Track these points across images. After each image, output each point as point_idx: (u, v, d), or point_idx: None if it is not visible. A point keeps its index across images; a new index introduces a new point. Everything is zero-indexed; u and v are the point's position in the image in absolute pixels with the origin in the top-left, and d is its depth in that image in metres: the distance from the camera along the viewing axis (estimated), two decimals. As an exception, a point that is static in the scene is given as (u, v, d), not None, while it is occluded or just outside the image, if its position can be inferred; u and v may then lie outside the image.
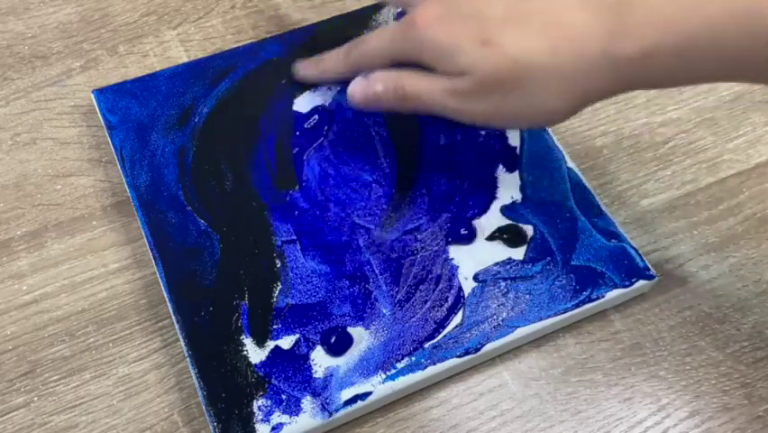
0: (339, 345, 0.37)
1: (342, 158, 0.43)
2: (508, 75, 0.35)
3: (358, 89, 0.41)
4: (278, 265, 0.39)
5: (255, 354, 0.37)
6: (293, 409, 0.35)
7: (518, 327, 0.37)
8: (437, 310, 0.38)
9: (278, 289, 0.38)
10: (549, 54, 0.34)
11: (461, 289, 0.38)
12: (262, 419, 0.35)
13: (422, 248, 0.40)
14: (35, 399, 0.37)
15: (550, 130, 0.44)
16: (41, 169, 0.44)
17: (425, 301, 0.38)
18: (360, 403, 0.35)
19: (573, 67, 0.34)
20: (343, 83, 0.42)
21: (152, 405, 0.37)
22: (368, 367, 0.36)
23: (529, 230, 0.40)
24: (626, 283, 0.39)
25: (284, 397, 0.35)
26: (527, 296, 0.38)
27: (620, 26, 0.33)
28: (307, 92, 0.45)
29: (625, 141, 0.46)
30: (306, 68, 0.45)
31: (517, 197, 0.42)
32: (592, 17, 0.33)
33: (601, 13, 0.33)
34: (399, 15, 0.49)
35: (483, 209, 0.41)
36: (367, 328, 0.37)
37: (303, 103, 0.45)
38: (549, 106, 0.35)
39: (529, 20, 0.35)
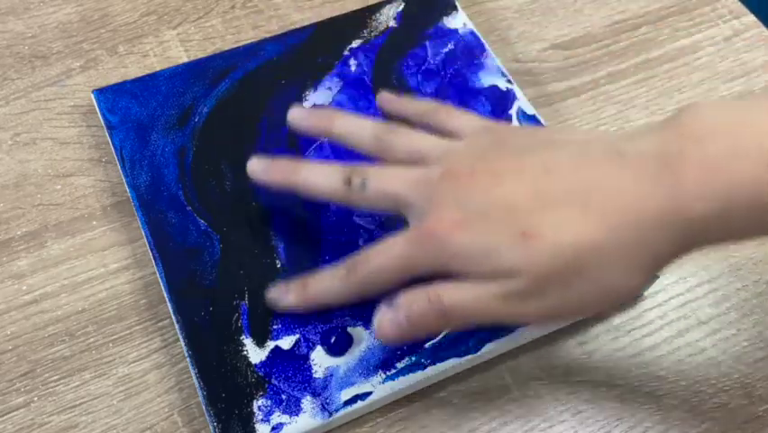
0: (339, 345, 0.37)
1: (343, 158, 0.43)
2: (564, 265, 0.30)
3: (387, 322, 0.33)
4: (278, 265, 0.39)
5: (255, 354, 0.37)
6: (293, 409, 0.35)
7: (518, 327, 0.37)
8: (437, 310, 0.38)
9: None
10: (602, 231, 0.29)
11: (461, 289, 0.38)
12: (262, 419, 0.35)
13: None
14: (35, 399, 0.37)
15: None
16: (41, 169, 0.44)
17: (425, 301, 0.38)
18: (360, 403, 0.35)
19: (635, 239, 0.29)
20: (345, 86, 0.42)
21: (152, 405, 0.37)
22: (368, 367, 0.36)
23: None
24: (626, 283, 0.39)
25: (284, 397, 0.35)
26: (527, 296, 0.38)
27: (678, 186, 0.28)
28: (308, 92, 0.45)
29: (625, 141, 0.46)
30: (287, 294, 0.37)
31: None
32: (638, 179, 0.29)
33: (647, 172, 0.29)
34: (399, 16, 0.49)
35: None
36: (367, 328, 0.37)
37: (303, 103, 0.45)
38: (618, 287, 0.31)
39: (564, 198, 0.30)
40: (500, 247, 0.30)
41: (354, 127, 0.38)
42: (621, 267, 0.30)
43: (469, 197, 0.32)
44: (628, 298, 0.32)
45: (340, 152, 0.43)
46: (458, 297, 0.32)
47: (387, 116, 0.40)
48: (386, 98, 0.41)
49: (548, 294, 0.30)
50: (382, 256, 0.34)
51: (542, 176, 0.31)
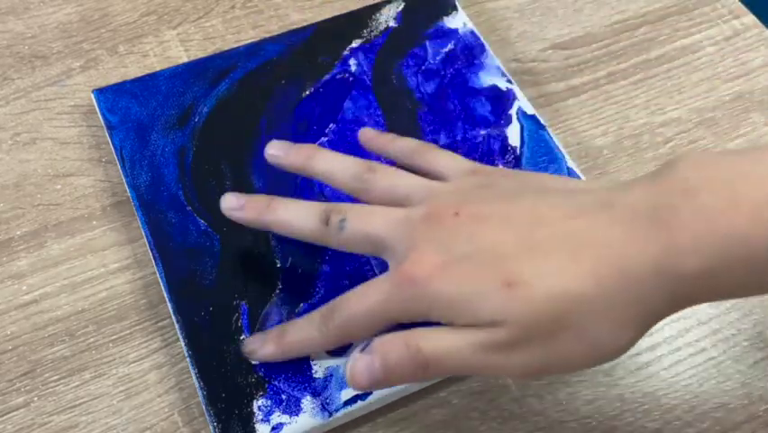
0: (339, 345, 0.37)
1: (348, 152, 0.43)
2: (549, 316, 0.28)
3: (360, 369, 0.31)
4: (278, 265, 0.39)
5: (255, 354, 0.37)
6: (293, 409, 0.35)
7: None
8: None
9: (279, 289, 0.38)
10: (591, 282, 0.28)
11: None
12: (262, 419, 0.35)
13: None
14: (35, 399, 0.37)
15: (550, 130, 0.44)
16: (41, 169, 0.44)
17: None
18: (360, 403, 0.35)
19: (623, 292, 0.28)
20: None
21: (152, 405, 0.37)
22: (368, 367, 0.36)
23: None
24: (626, 283, 0.39)
25: (284, 397, 0.35)
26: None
27: (670, 240, 0.27)
28: (308, 92, 0.45)
29: (625, 141, 0.46)
30: (264, 344, 0.36)
31: (517, 197, 0.41)
32: (628, 232, 0.28)
33: (638, 225, 0.28)
34: (399, 16, 0.49)
35: (483, 209, 0.41)
36: (367, 328, 0.37)
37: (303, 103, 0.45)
38: (606, 344, 0.29)
39: (551, 247, 0.29)
40: (483, 295, 0.29)
41: (334, 165, 0.36)
42: (609, 322, 0.28)
43: (451, 240, 0.30)
44: (616, 355, 0.29)
45: (339, 151, 0.43)
46: (437, 346, 0.30)
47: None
48: (368, 136, 0.40)
49: (532, 347, 0.29)
50: (359, 302, 0.32)
51: (529, 223, 0.30)
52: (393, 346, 0.30)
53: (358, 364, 0.31)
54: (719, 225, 0.26)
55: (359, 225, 0.33)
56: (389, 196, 0.34)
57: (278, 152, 0.38)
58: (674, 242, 0.27)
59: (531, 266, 0.29)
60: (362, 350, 0.31)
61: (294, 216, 0.35)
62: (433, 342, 0.30)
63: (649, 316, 0.29)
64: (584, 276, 0.28)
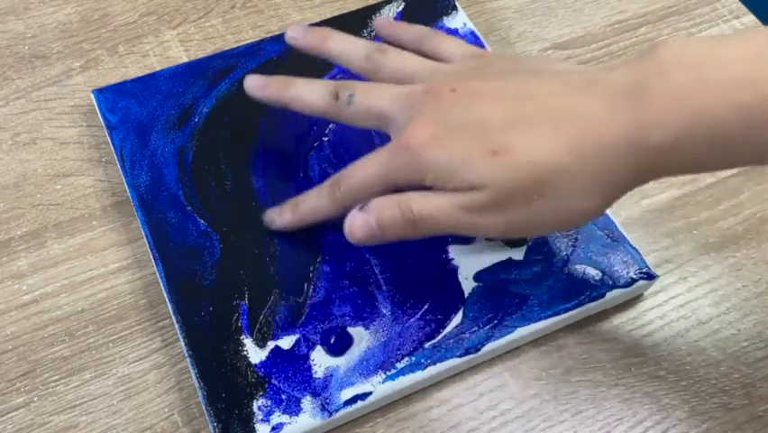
0: (339, 345, 0.37)
1: (343, 158, 0.43)
2: (528, 182, 0.31)
3: (357, 225, 0.35)
4: (278, 265, 0.39)
5: (255, 354, 0.37)
6: (293, 409, 0.35)
7: (518, 327, 0.37)
8: (437, 310, 0.38)
9: (278, 289, 0.38)
10: (567, 153, 0.31)
11: (461, 289, 0.38)
12: (262, 419, 0.35)
13: (422, 248, 0.40)
14: (35, 399, 0.37)
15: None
16: (41, 169, 0.44)
17: (425, 301, 0.38)
18: (360, 403, 0.35)
19: (596, 163, 0.31)
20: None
21: (152, 405, 0.37)
22: (368, 367, 0.36)
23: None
24: (626, 283, 0.39)
25: (284, 397, 0.35)
26: (527, 296, 0.38)
27: (642, 114, 0.29)
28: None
29: (625, 141, 0.46)
30: (282, 214, 0.39)
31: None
32: (607, 106, 0.30)
33: (616, 100, 0.30)
34: (400, 16, 0.49)
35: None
36: (367, 328, 0.37)
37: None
38: (576, 209, 0.32)
39: (536, 119, 0.32)
40: (471, 161, 0.32)
41: (347, 46, 0.39)
42: (580, 189, 0.31)
43: (447, 113, 0.33)
44: (585, 221, 0.33)
45: (339, 151, 0.43)
46: (425, 206, 0.34)
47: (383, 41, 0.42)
48: (382, 23, 0.42)
49: (508, 209, 0.32)
50: (363, 170, 0.36)
51: (520, 99, 0.32)
52: (387, 205, 0.34)
53: (356, 220, 0.35)
54: (686, 102, 0.29)
55: (365, 100, 0.36)
56: (397, 76, 0.37)
57: (296, 33, 0.41)
58: (644, 116, 0.29)
59: (516, 137, 0.32)
60: (361, 209, 0.35)
61: (308, 92, 0.38)
62: (422, 202, 0.34)
63: (618, 184, 0.31)
64: (562, 148, 0.31)
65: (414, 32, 0.41)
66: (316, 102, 0.38)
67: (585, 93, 0.31)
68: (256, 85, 0.40)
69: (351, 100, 0.36)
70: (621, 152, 0.30)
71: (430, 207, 0.34)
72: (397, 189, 0.35)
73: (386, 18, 0.43)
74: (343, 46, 0.39)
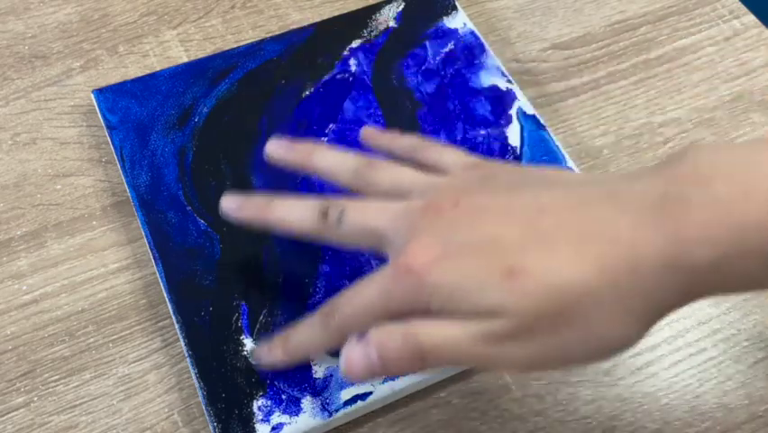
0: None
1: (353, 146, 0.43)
2: (552, 308, 0.27)
3: (356, 359, 0.30)
4: (278, 265, 0.39)
5: (255, 354, 0.37)
6: (293, 409, 0.35)
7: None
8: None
9: (278, 289, 0.38)
10: (596, 275, 0.27)
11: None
12: (262, 419, 0.35)
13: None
14: (35, 399, 0.37)
15: (550, 130, 0.44)
16: (41, 169, 0.44)
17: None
18: (360, 403, 0.35)
19: (631, 286, 0.26)
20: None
21: (152, 405, 0.37)
22: (368, 367, 0.36)
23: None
24: (626, 283, 0.39)
25: (284, 397, 0.35)
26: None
27: (680, 230, 0.26)
28: (308, 92, 0.45)
29: (625, 141, 0.46)
30: (271, 351, 0.35)
31: (517, 197, 0.41)
32: (636, 222, 0.27)
33: (646, 214, 0.27)
34: (399, 16, 0.49)
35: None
36: (367, 328, 0.37)
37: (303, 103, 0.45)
38: (611, 337, 0.27)
39: (556, 237, 0.28)
40: (483, 284, 0.28)
41: (335, 162, 0.36)
42: (615, 315, 0.27)
43: (451, 230, 0.29)
44: (621, 351, 0.28)
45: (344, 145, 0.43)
46: (436, 336, 0.29)
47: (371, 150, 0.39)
48: (369, 134, 0.39)
49: (533, 339, 0.28)
50: (360, 297, 0.31)
51: (533, 214, 0.29)
52: (391, 337, 0.29)
53: (355, 354, 0.30)
54: (732, 215, 0.25)
55: (358, 219, 0.32)
56: (389, 190, 0.34)
57: (277, 149, 0.37)
58: (684, 232, 0.26)
59: (532, 256, 0.27)
60: (359, 340, 0.30)
61: (292, 214, 0.34)
62: (431, 333, 0.29)
63: (657, 309, 0.27)
64: (588, 267, 0.27)
65: (405, 142, 0.37)
66: (303, 223, 0.34)
67: (608, 207, 0.28)
68: (234, 207, 0.36)
69: (341, 219, 0.32)
70: (659, 272, 0.26)
71: (440, 338, 0.29)
72: (397, 317, 0.30)
73: (372, 128, 0.39)
74: (330, 162, 0.36)
